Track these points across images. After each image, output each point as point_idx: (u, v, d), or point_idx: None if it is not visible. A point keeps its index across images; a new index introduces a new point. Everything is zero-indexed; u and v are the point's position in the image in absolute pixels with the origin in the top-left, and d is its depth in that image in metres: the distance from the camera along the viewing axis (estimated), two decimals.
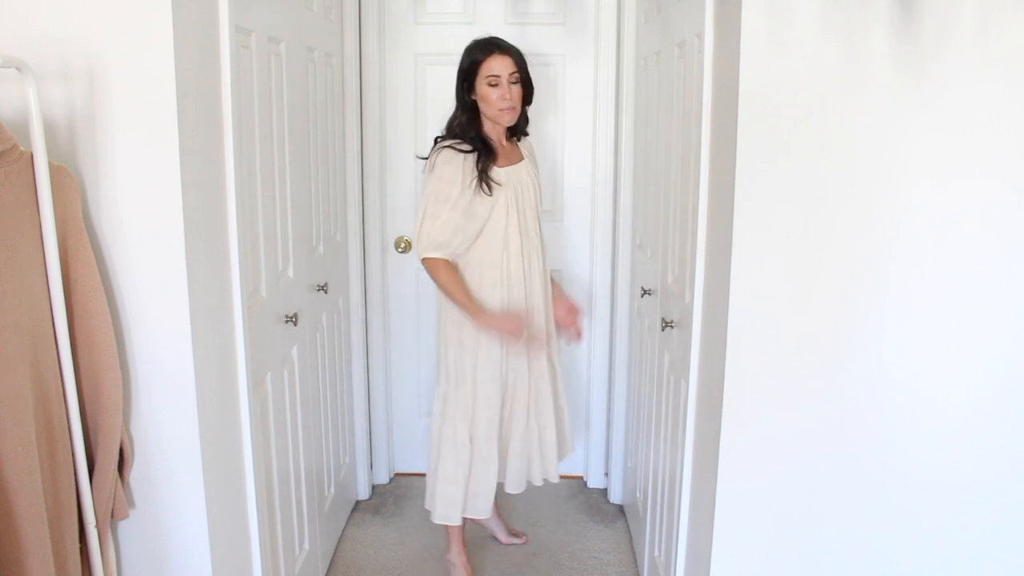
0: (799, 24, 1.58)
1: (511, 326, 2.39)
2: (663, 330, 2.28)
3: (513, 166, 2.45)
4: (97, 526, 1.59)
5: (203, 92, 1.67)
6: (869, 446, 1.73)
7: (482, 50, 2.37)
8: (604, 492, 3.31)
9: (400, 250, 3.19)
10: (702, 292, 1.89)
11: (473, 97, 2.40)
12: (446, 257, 2.37)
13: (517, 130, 2.52)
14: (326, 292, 2.65)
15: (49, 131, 1.52)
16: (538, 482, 2.61)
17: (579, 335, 2.66)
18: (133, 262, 1.60)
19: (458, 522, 2.58)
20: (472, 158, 2.37)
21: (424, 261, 2.38)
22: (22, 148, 1.44)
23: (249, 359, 1.89)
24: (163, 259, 1.59)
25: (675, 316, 2.18)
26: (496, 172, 2.39)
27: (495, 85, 2.35)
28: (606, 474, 3.33)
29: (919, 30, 1.57)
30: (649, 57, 2.63)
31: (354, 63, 2.97)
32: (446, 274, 2.37)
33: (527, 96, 2.45)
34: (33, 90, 1.41)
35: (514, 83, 2.37)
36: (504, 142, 2.47)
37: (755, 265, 1.67)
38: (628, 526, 3.03)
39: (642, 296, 2.70)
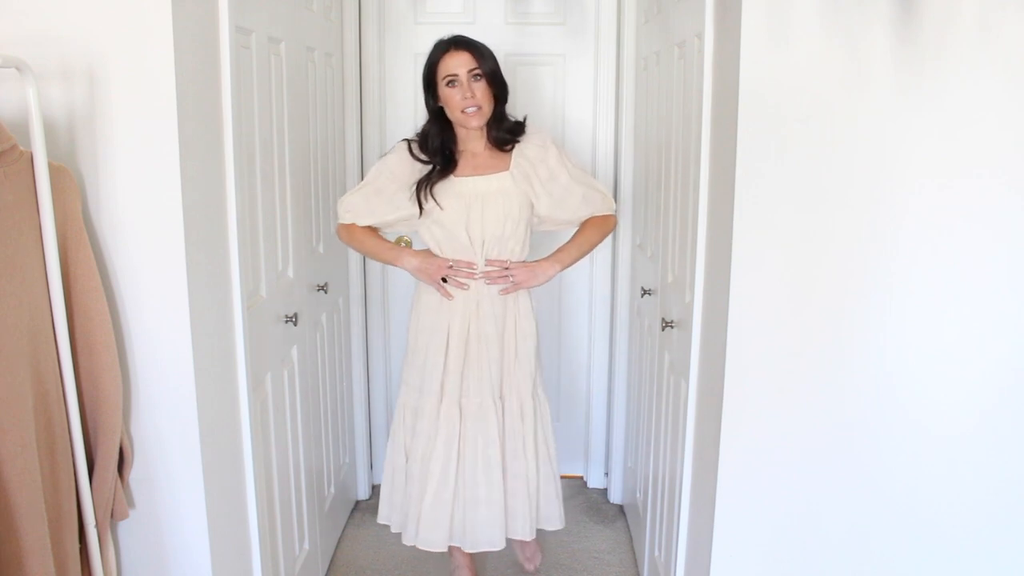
0: (799, 24, 1.58)
1: (433, 268, 2.28)
2: (663, 330, 2.28)
3: (482, 176, 2.27)
4: (97, 526, 1.59)
5: (203, 92, 1.67)
6: (869, 446, 1.73)
7: (438, 50, 2.22)
8: (604, 492, 3.31)
9: None
10: (702, 292, 1.89)
11: (439, 104, 2.24)
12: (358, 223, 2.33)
13: (501, 134, 2.29)
14: (326, 292, 2.65)
15: (49, 131, 1.52)
16: (502, 539, 2.39)
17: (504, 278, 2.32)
18: (133, 262, 1.60)
19: (411, 543, 2.41)
20: (423, 170, 2.26)
21: (337, 229, 2.38)
22: (22, 148, 1.44)
23: (249, 359, 1.89)
24: (163, 259, 1.59)
25: (675, 316, 2.18)
26: (452, 182, 2.26)
27: (454, 85, 2.18)
28: (606, 474, 3.33)
29: (919, 30, 1.57)
30: (649, 57, 2.63)
31: (354, 63, 2.97)
32: (353, 232, 2.34)
33: (500, 95, 2.25)
34: (33, 90, 1.41)
35: (476, 80, 2.19)
36: (484, 150, 2.30)
37: (755, 265, 1.67)
38: (628, 526, 3.03)
39: (642, 296, 2.70)
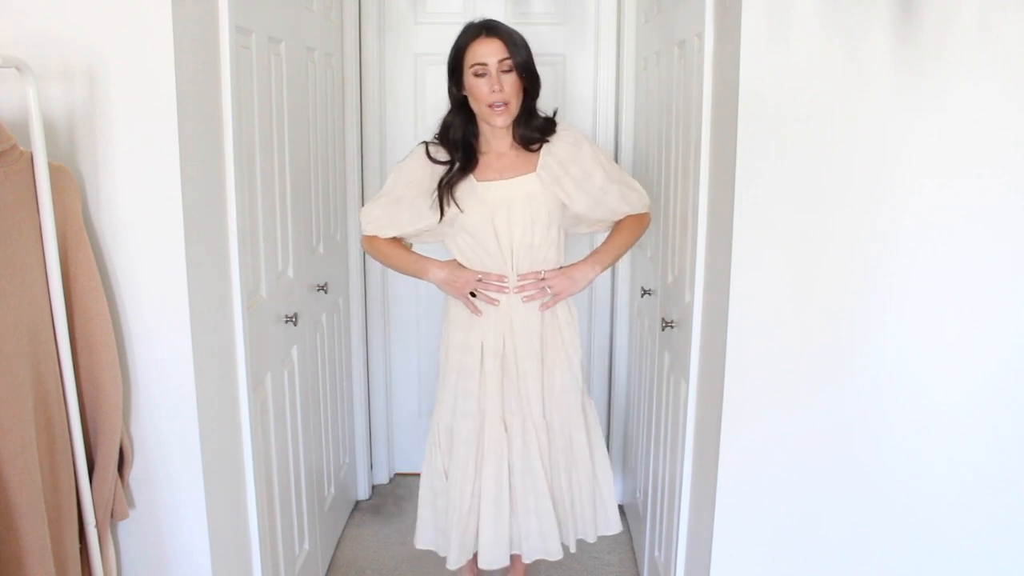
0: (799, 24, 1.58)
1: (461, 281, 2.10)
2: (663, 330, 2.28)
3: (507, 180, 2.09)
4: (97, 526, 1.59)
5: (203, 92, 1.67)
6: (869, 446, 1.73)
7: (467, 34, 2.02)
8: None
9: None
10: (702, 292, 1.89)
11: (464, 93, 2.06)
12: (380, 235, 2.17)
13: (528, 133, 2.10)
14: (326, 292, 2.65)
15: (49, 131, 1.52)
16: (558, 549, 2.26)
17: (540, 293, 2.15)
18: (133, 262, 1.60)
19: (455, 567, 2.27)
20: (442, 171, 2.09)
21: (361, 242, 2.24)
22: (22, 148, 1.44)
23: (249, 359, 1.89)
24: (163, 259, 1.59)
25: (675, 316, 2.18)
26: (474, 187, 2.08)
27: (481, 75, 1.99)
28: None
29: (919, 30, 1.57)
30: (649, 57, 2.63)
31: (354, 63, 2.97)
32: (377, 245, 2.19)
33: (531, 89, 2.06)
34: (33, 90, 1.41)
35: (506, 72, 1.99)
36: (510, 149, 2.12)
37: (755, 265, 1.67)
38: (628, 526, 3.03)
39: (642, 296, 2.70)
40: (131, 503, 1.69)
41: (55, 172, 1.47)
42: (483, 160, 2.11)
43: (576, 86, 3.08)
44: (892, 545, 1.77)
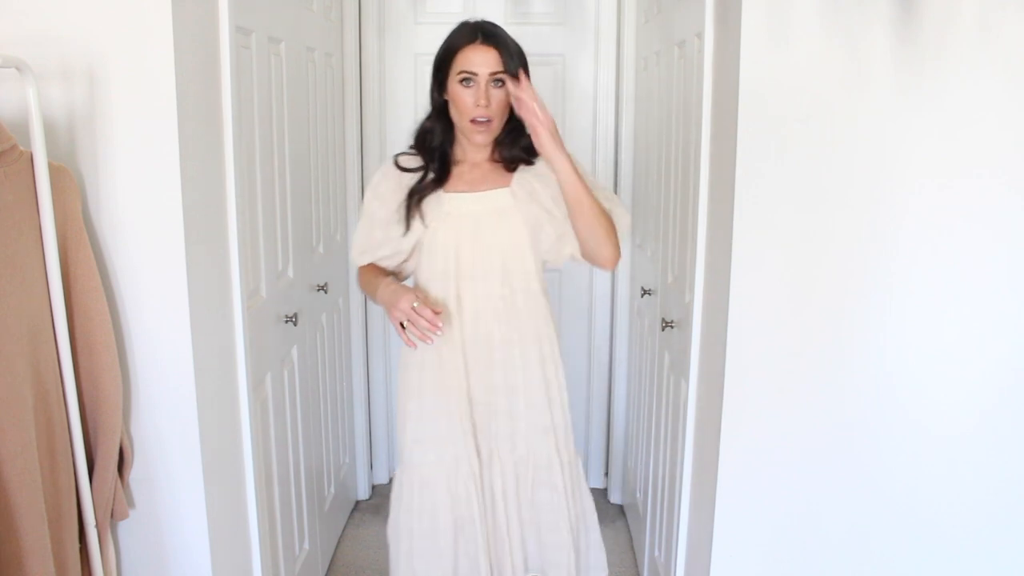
0: (799, 24, 1.58)
1: (399, 306, 1.74)
2: (663, 330, 2.28)
3: (476, 193, 1.84)
4: (97, 526, 1.59)
5: (203, 92, 1.67)
6: (869, 446, 1.73)
7: (460, 36, 1.78)
8: (604, 492, 3.31)
9: None
10: (702, 292, 1.89)
11: (446, 97, 1.82)
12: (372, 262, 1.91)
13: (514, 154, 1.86)
14: (326, 292, 2.65)
15: (49, 131, 1.52)
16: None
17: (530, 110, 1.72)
18: (133, 262, 1.60)
19: None
20: (414, 179, 1.84)
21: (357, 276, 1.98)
22: (22, 148, 1.44)
23: (249, 359, 1.89)
24: (163, 259, 1.59)
25: (675, 316, 2.18)
26: (440, 199, 1.83)
27: (468, 85, 1.75)
28: (606, 474, 3.33)
29: (919, 30, 1.57)
30: (649, 57, 2.63)
31: (354, 63, 2.97)
32: (362, 275, 1.93)
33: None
34: (33, 90, 1.41)
35: (496, 86, 1.75)
36: (486, 162, 1.88)
37: (755, 265, 1.67)
38: (628, 526, 3.03)
39: (642, 296, 2.70)
40: (131, 503, 1.69)
41: (55, 172, 1.47)
42: (455, 170, 1.87)
43: (576, 86, 3.08)
44: (892, 545, 1.77)
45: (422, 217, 1.82)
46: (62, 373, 1.51)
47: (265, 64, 2.03)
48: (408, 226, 1.83)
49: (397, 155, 1.89)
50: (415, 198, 1.83)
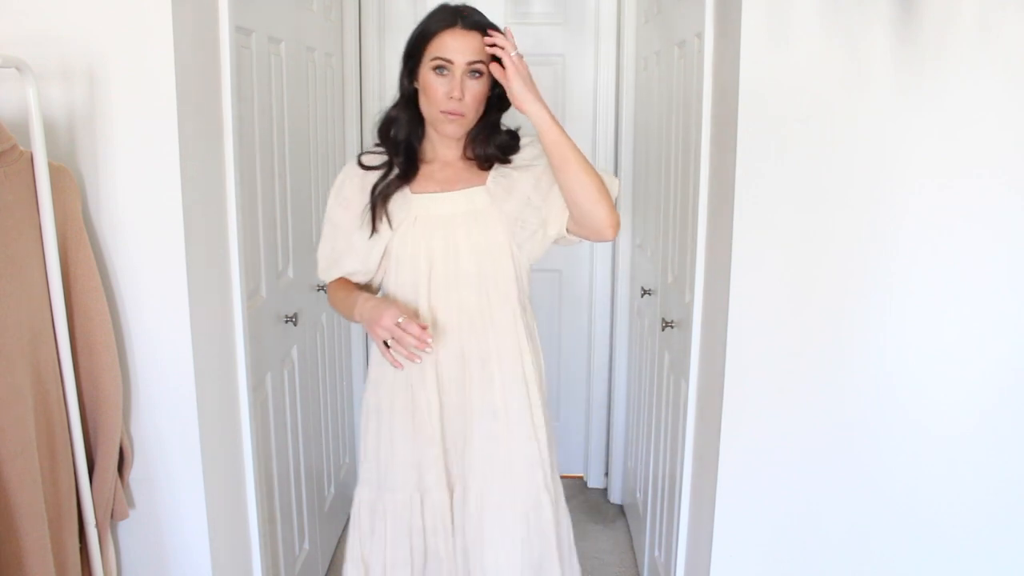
0: (799, 24, 1.58)
1: (381, 322, 1.56)
2: (663, 330, 2.28)
3: (448, 193, 1.65)
4: (97, 526, 1.59)
5: (203, 92, 1.67)
6: (869, 445, 1.73)
7: (438, 19, 1.59)
8: (604, 492, 3.31)
9: None
10: (702, 292, 1.89)
11: (416, 85, 1.62)
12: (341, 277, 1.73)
13: (487, 151, 1.67)
14: (326, 292, 2.65)
15: (49, 131, 1.52)
16: None
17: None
18: (133, 262, 1.60)
19: None
20: (377, 176, 1.66)
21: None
22: (22, 148, 1.44)
23: (249, 359, 1.89)
24: (163, 259, 1.59)
25: (675, 316, 2.18)
26: (408, 200, 1.65)
27: (442, 73, 1.56)
28: (606, 474, 3.33)
29: (919, 30, 1.57)
30: (649, 57, 2.63)
31: (354, 63, 2.97)
32: (333, 293, 1.75)
33: (499, 102, 1.64)
34: (33, 90, 1.41)
35: (473, 76, 1.57)
36: (458, 160, 1.69)
37: (755, 265, 1.67)
38: (628, 526, 3.03)
39: (642, 296, 2.70)
40: (131, 503, 1.69)
41: (55, 172, 1.47)
42: (424, 170, 1.68)
43: (576, 86, 3.08)
44: (892, 544, 1.77)
45: (388, 218, 1.64)
46: (62, 373, 1.51)
47: (265, 64, 2.03)
48: (374, 227, 1.64)
49: (361, 153, 1.72)
50: (379, 195, 1.64)
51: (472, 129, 1.65)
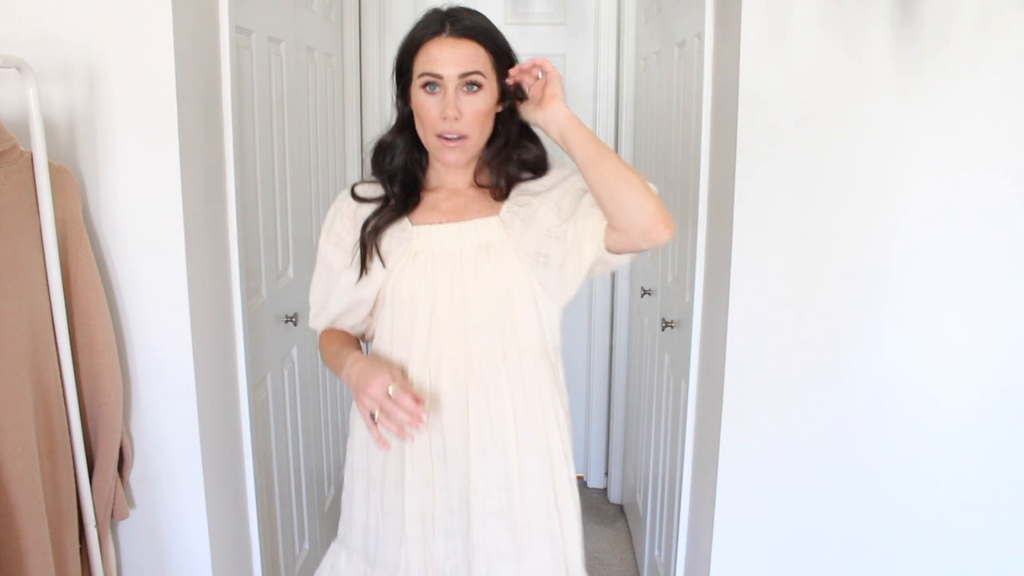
0: (799, 24, 1.58)
1: (367, 390, 1.29)
2: (663, 330, 2.28)
3: (455, 224, 1.39)
4: (97, 526, 1.59)
5: (203, 92, 1.67)
6: (868, 445, 1.73)
7: (424, 26, 1.34)
8: (604, 492, 3.32)
9: None
10: (702, 292, 1.89)
11: (411, 107, 1.37)
12: (334, 327, 1.48)
13: (510, 171, 1.40)
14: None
15: (49, 131, 1.52)
16: None
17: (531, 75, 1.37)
18: (133, 262, 1.60)
19: None
20: (371, 210, 1.42)
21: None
22: (22, 148, 1.44)
23: (249, 359, 1.89)
24: (163, 259, 1.59)
25: (675, 316, 2.18)
26: (407, 233, 1.39)
27: (433, 91, 1.31)
28: (606, 474, 3.33)
29: (918, 30, 1.57)
30: (649, 57, 2.63)
31: (354, 63, 2.97)
32: (324, 345, 1.48)
33: (508, 116, 1.38)
34: (33, 90, 1.41)
35: (470, 90, 1.31)
36: (469, 188, 1.43)
37: (755, 265, 1.67)
38: (628, 526, 3.03)
39: (642, 296, 2.70)
40: (131, 503, 1.69)
41: (55, 172, 1.47)
42: (428, 198, 1.43)
43: (576, 86, 3.08)
44: (891, 546, 1.77)
45: (381, 256, 1.38)
46: (62, 373, 1.51)
47: (265, 64, 2.03)
48: (364, 268, 1.39)
49: (355, 184, 1.49)
50: (370, 230, 1.39)
51: (485, 153, 1.41)
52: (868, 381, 1.71)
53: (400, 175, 1.42)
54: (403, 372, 1.36)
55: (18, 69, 1.40)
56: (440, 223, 1.40)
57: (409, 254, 1.38)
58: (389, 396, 1.27)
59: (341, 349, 1.42)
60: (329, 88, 2.72)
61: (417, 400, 1.28)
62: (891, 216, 1.64)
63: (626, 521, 3.09)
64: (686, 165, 2.03)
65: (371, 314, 1.44)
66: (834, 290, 1.68)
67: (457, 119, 1.30)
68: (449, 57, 1.30)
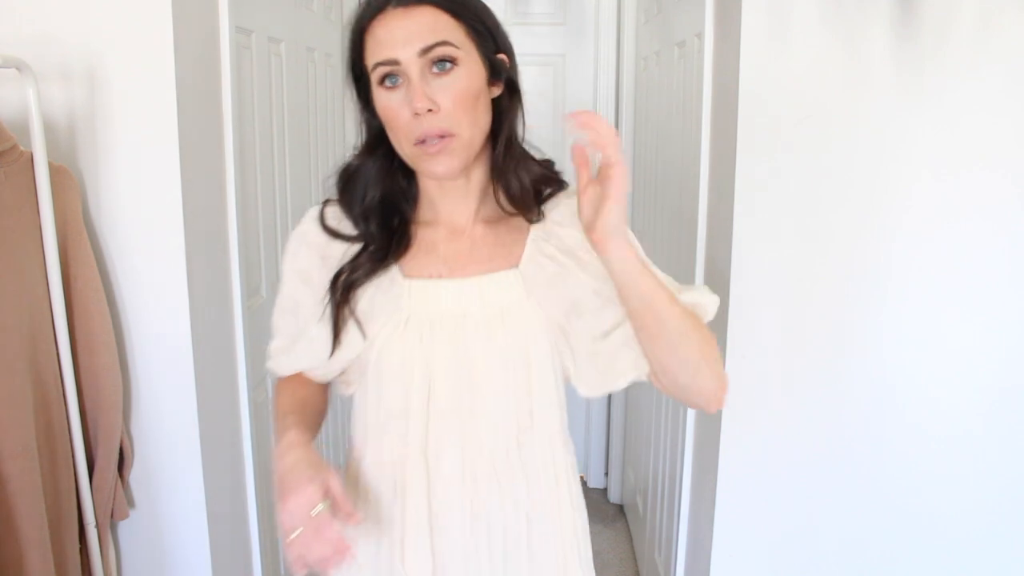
0: (799, 24, 1.58)
1: (288, 499, 0.92)
2: None
3: (464, 281, 1.07)
4: (97, 526, 1.59)
5: (203, 92, 1.67)
6: (868, 446, 1.73)
7: (365, 7, 1.01)
8: (604, 492, 3.31)
9: None
10: None
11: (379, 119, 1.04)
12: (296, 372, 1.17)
13: (516, 182, 1.06)
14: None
15: (49, 131, 1.52)
16: None
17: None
18: (133, 262, 1.60)
19: None
20: (348, 252, 1.08)
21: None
22: (22, 148, 1.44)
23: (249, 359, 1.89)
24: (163, 259, 1.59)
25: None
26: (399, 289, 1.07)
27: (393, 84, 0.98)
28: (606, 474, 3.33)
29: (919, 30, 1.57)
30: (649, 57, 2.63)
31: None
32: (279, 393, 1.18)
33: (510, 104, 1.06)
34: (33, 90, 1.41)
35: (442, 69, 0.97)
36: (475, 223, 1.09)
37: (755, 265, 1.67)
38: (628, 526, 3.03)
39: None
40: (131, 503, 1.69)
41: (55, 172, 1.47)
42: (422, 237, 1.10)
43: (576, 86, 3.08)
44: (891, 546, 1.77)
45: (359, 323, 1.06)
46: (62, 373, 1.51)
47: (265, 64, 2.03)
48: (336, 337, 1.07)
49: (326, 201, 1.14)
50: (342, 287, 1.06)
51: (491, 157, 1.07)
52: (868, 381, 1.71)
53: (377, 210, 1.07)
54: (338, 479, 0.95)
55: (18, 69, 1.40)
56: (440, 277, 1.07)
57: (399, 317, 1.06)
58: (313, 519, 0.91)
59: (287, 415, 1.09)
60: (329, 88, 2.72)
61: (352, 518, 0.94)
62: (891, 216, 1.64)
63: (626, 521, 3.09)
64: (686, 165, 2.03)
65: (340, 376, 1.15)
66: (834, 290, 1.68)
67: (433, 111, 0.96)
68: (401, 33, 0.96)
